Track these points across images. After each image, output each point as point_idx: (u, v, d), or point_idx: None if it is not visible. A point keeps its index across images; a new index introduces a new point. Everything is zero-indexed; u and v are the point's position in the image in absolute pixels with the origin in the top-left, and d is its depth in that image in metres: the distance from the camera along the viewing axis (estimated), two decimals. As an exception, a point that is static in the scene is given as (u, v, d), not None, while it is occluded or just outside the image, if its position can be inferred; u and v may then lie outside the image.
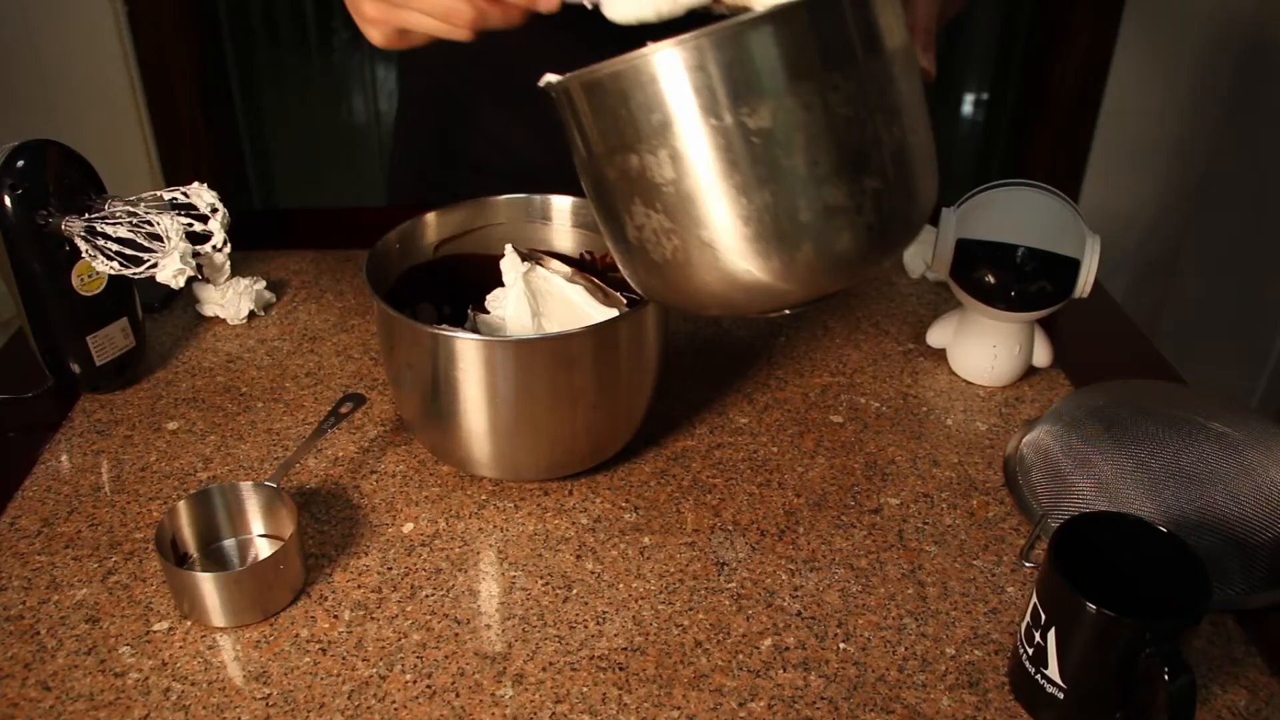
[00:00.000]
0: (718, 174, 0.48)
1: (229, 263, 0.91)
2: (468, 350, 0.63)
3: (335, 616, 0.61)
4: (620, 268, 0.57)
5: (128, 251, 0.71)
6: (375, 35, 0.63)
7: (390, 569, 0.65)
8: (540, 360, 0.64)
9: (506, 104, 0.99)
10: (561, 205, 0.78)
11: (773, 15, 0.46)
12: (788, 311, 0.57)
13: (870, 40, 0.48)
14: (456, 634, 0.60)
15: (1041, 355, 0.82)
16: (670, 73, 0.47)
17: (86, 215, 0.72)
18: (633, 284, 0.57)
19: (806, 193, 0.48)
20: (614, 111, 0.49)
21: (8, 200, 0.70)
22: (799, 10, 0.47)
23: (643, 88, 0.48)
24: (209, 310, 0.90)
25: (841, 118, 0.48)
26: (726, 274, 0.51)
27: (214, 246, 0.71)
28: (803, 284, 0.51)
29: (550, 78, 0.51)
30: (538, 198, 0.77)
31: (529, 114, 0.99)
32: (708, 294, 0.52)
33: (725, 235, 0.49)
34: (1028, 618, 0.55)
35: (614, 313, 0.71)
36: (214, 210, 0.71)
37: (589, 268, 0.78)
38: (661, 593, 0.63)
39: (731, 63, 0.46)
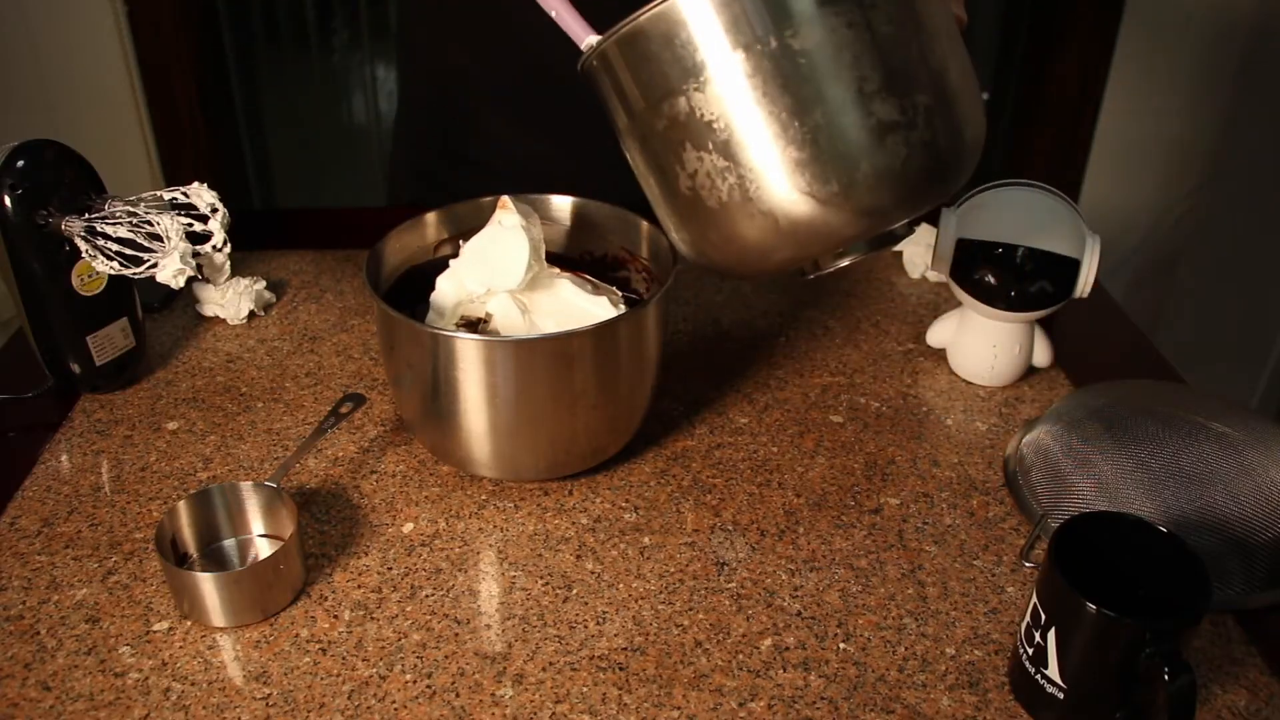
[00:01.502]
0: (768, 100, 0.48)
1: (229, 263, 0.91)
2: (468, 350, 0.63)
3: (335, 616, 0.61)
4: (672, 235, 0.57)
5: (128, 251, 0.71)
6: None
7: (390, 569, 0.65)
8: (540, 360, 0.64)
9: (506, 103, 0.99)
10: (561, 205, 0.78)
11: None
12: (845, 262, 0.56)
13: None
14: (456, 634, 0.60)
15: (1041, 355, 0.82)
16: (710, 6, 0.48)
17: (86, 215, 0.72)
18: (687, 250, 0.56)
19: (858, 109, 0.48)
20: (656, 57, 0.49)
21: (8, 200, 0.70)
22: None
23: (683, 26, 0.48)
24: (209, 310, 0.90)
25: (884, 35, 0.49)
26: (786, 206, 0.50)
27: (214, 246, 0.71)
28: (864, 210, 0.50)
29: (590, 40, 0.52)
30: (537, 197, 0.77)
31: (529, 113, 0.99)
32: (768, 236, 0.52)
33: (781, 162, 0.49)
34: (1028, 618, 0.55)
35: (605, 302, 0.70)
36: (214, 210, 0.71)
37: (587, 267, 0.78)
38: (661, 593, 0.63)
39: None
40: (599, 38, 0.52)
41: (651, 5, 0.49)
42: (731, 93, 0.49)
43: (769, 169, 0.50)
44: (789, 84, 0.48)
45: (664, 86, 0.50)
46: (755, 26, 0.48)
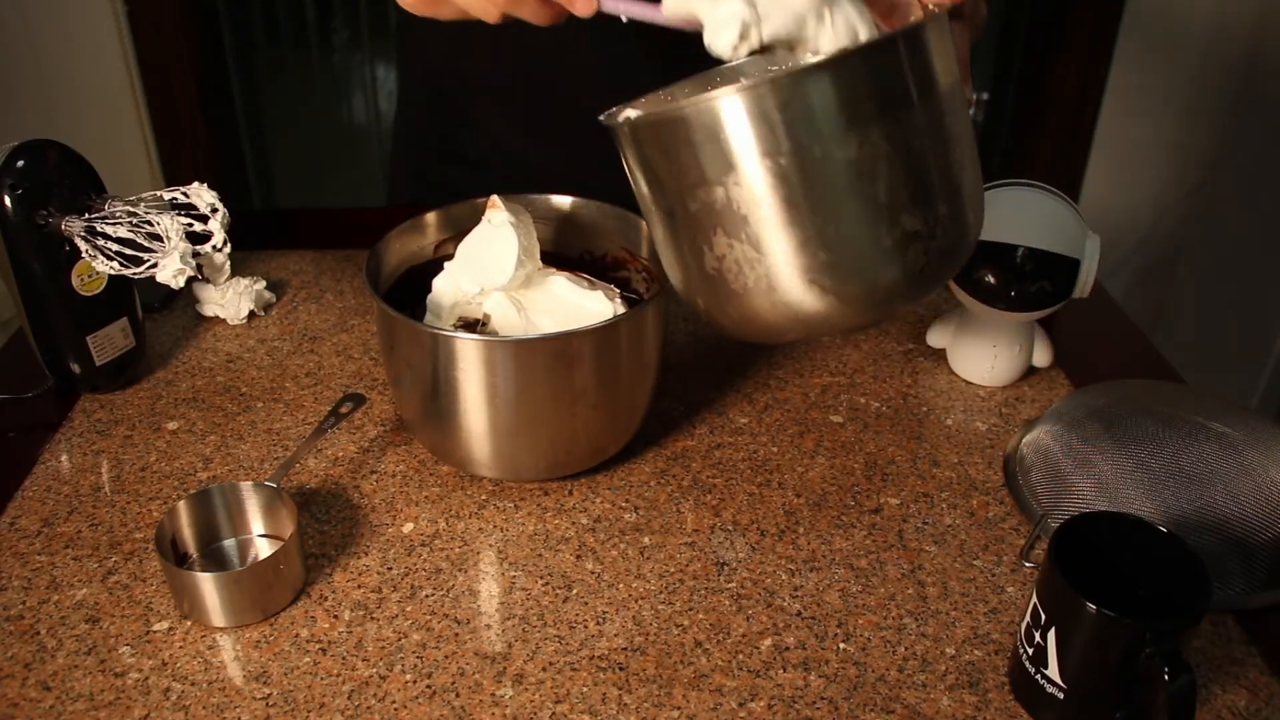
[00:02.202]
0: (807, 204, 0.49)
1: (229, 263, 0.91)
2: (468, 350, 0.63)
3: (335, 616, 0.61)
4: (680, 291, 0.57)
5: (128, 251, 0.71)
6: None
7: (390, 569, 0.65)
8: (540, 360, 0.64)
9: (506, 103, 0.99)
10: (561, 204, 0.78)
11: (869, 48, 0.48)
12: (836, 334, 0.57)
13: (943, 74, 0.50)
14: (456, 634, 0.60)
15: (1041, 355, 0.82)
16: (767, 107, 0.48)
17: (86, 215, 0.72)
18: (697, 309, 0.57)
19: (887, 221, 0.50)
20: (699, 146, 0.49)
21: (8, 200, 0.70)
22: (894, 45, 0.48)
23: (737, 122, 0.48)
24: (209, 310, 0.90)
25: (917, 149, 0.50)
26: (808, 301, 0.51)
27: (214, 246, 0.71)
28: (879, 308, 0.53)
29: (629, 113, 0.51)
30: (537, 197, 0.77)
31: (529, 113, 0.99)
32: (784, 321, 0.53)
33: (810, 262, 0.50)
34: (1028, 618, 0.55)
35: (600, 296, 0.70)
36: (214, 210, 0.71)
37: (586, 267, 0.78)
38: (661, 593, 0.63)
39: (826, 98, 0.47)
40: (636, 112, 0.51)
41: (703, 97, 0.49)
42: (771, 193, 0.49)
43: (797, 266, 0.51)
44: (829, 191, 0.49)
45: (700, 174, 0.50)
46: (808, 135, 0.48)
